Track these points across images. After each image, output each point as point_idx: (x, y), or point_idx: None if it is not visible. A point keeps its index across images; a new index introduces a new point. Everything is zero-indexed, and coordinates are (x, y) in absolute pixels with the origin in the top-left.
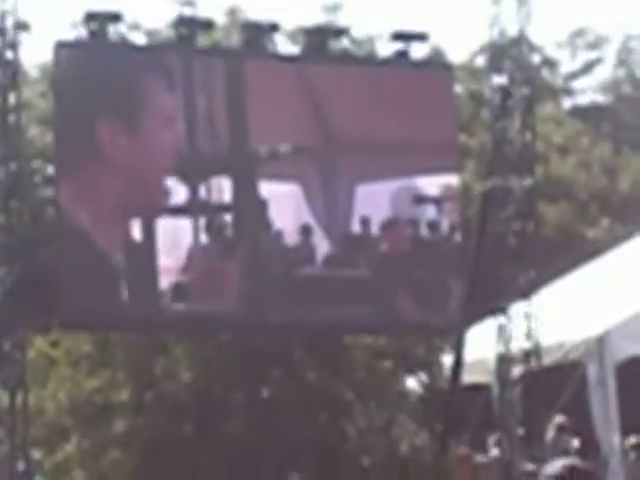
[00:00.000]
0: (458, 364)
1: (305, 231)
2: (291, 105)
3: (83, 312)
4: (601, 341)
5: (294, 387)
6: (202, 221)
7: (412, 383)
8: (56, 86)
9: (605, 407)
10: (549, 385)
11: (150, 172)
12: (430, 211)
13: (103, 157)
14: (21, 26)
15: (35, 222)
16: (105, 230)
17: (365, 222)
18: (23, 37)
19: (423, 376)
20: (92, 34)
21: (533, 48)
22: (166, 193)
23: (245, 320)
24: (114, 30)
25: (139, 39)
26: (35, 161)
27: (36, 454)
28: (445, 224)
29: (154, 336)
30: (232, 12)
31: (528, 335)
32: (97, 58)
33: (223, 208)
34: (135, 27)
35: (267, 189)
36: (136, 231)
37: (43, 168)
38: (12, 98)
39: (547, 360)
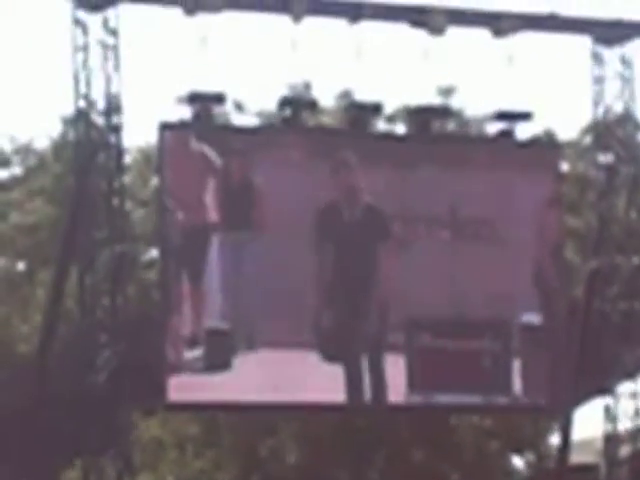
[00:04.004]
0: (565, 444)
1: None
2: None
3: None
4: None
5: (400, 467)
6: None
7: (519, 462)
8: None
9: None
10: None
11: None
12: None
13: None
14: (119, 109)
15: (139, 304)
16: None
17: None
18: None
19: (530, 456)
20: (196, 115)
21: (639, 126)
22: None
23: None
24: (217, 109)
25: (243, 120)
26: (138, 244)
27: None
28: None
29: (261, 417)
30: (343, 95)
31: (635, 415)
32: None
33: None
34: (238, 107)
35: None
36: None
37: (146, 250)
38: (116, 182)
39: None
